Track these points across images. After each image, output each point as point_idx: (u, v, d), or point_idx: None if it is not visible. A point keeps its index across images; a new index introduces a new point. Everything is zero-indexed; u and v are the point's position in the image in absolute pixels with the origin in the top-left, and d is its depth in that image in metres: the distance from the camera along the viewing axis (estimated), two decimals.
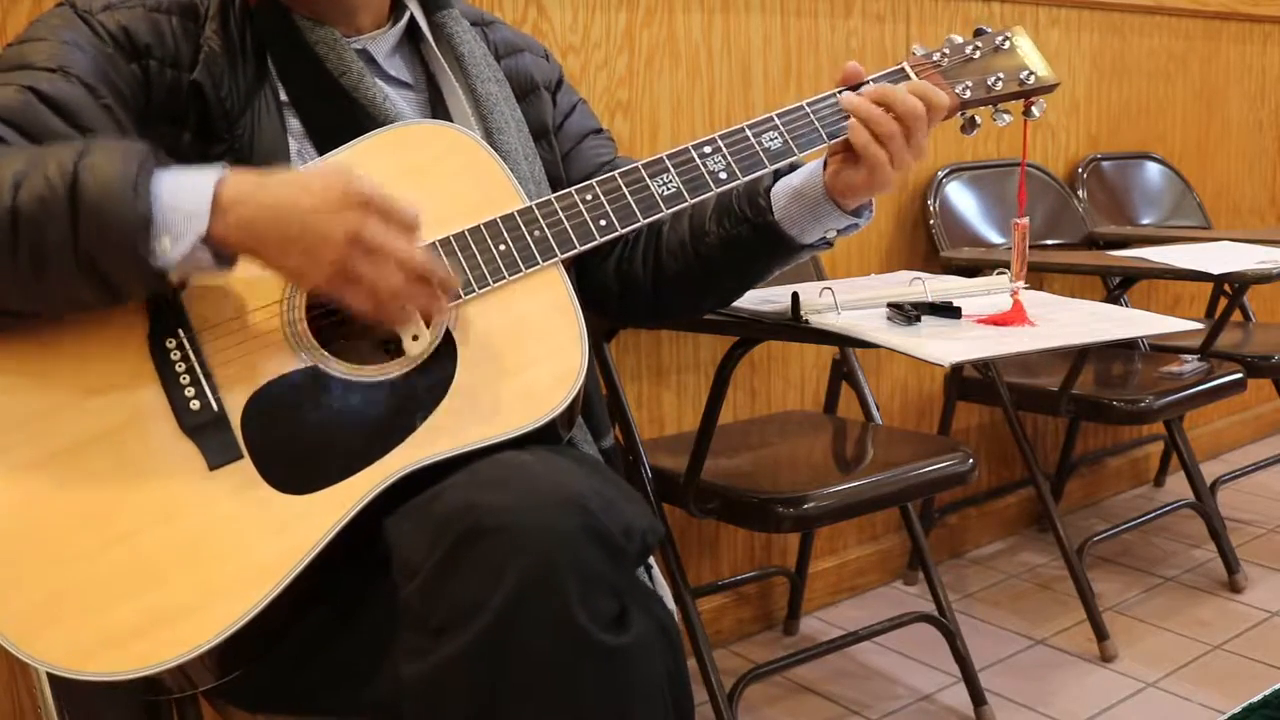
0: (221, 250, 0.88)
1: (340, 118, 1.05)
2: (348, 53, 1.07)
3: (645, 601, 0.89)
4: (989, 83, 1.16)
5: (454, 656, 0.80)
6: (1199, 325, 1.85)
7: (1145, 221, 2.78)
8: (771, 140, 1.11)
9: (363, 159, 1.03)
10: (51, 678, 1.03)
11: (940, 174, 2.38)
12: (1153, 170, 2.85)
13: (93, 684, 0.84)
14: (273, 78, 1.07)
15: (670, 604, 1.02)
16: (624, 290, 1.28)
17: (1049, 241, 2.54)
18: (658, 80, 1.95)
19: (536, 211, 1.03)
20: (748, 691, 1.75)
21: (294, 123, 1.07)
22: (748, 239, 1.18)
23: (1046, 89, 1.18)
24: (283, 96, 1.07)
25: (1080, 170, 2.68)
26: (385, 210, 0.90)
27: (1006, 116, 1.19)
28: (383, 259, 0.89)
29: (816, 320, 1.35)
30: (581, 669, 0.80)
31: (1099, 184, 2.71)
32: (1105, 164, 2.74)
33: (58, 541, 0.84)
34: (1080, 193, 2.66)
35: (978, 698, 1.84)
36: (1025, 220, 1.35)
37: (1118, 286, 2.33)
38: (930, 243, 2.36)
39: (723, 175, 1.09)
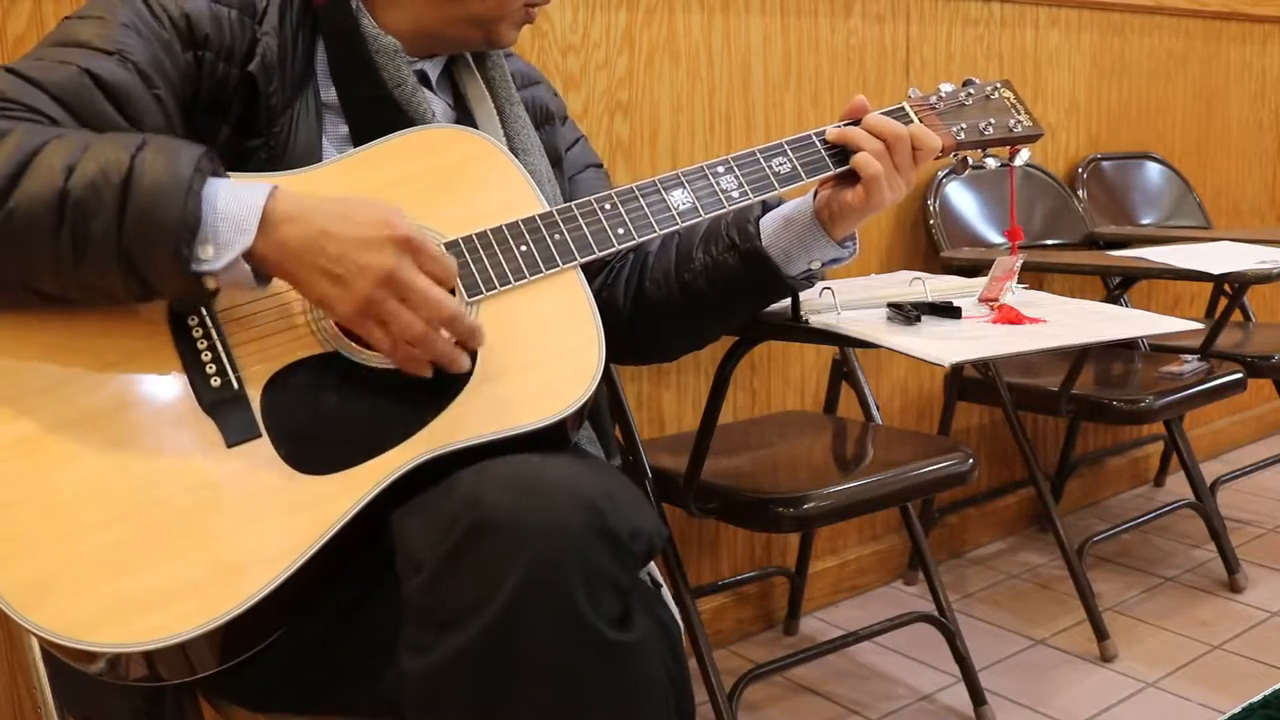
0: (259, 268, 0.89)
1: (386, 127, 1.06)
2: (405, 67, 1.09)
3: (649, 602, 0.89)
4: (980, 127, 1.25)
5: (457, 652, 0.80)
6: (1199, 325, 1.85)
7: (1145, 221, 2.78)
8: (781, 165, 1.15)
9: (391, 155, 1.04)
10: (52, 676, 1.04)
11: (940, 174, 2.39)
12: (1153, 170, 2.85)
13: (93, 672, 0.84)
14: (316, 79, 1.09)
15: (673, 608, 1.02)
16: (601, 316, 1.29)
17: (1049, 241, 2.55)
18: (658, 80, 1.95)
19: (557, 216, 1.05)
20: (748, 691, 1.75)
21: (333, 126, 1.09)
22: (733, 266, 1.20)
23: (1032, 138, 1.27)
24: (324, 98, 1.09)
25: (1080, 170, 2.69)
26: (423, 254, 0.90)
27: (992, 161, 1.28)
28: (411, 303, 0.89)
29: (816, 320, 1.35)
30: (586, 665, 0.80)
31: (1099, 184, 2.71)
32: (1105, 164, 2.75)
33: (69, 511, 0.84)
34: (1080, 193, 2.66)
35: (978, 698, 1.84)
36: (1017, 261, 1.43)
37: (1118, 286, 2.33)
38: (930, 243, 2.36)
39: (735, 194, 1.13)
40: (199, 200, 0.85)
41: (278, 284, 0.93)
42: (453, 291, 0.96)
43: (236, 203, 0.87)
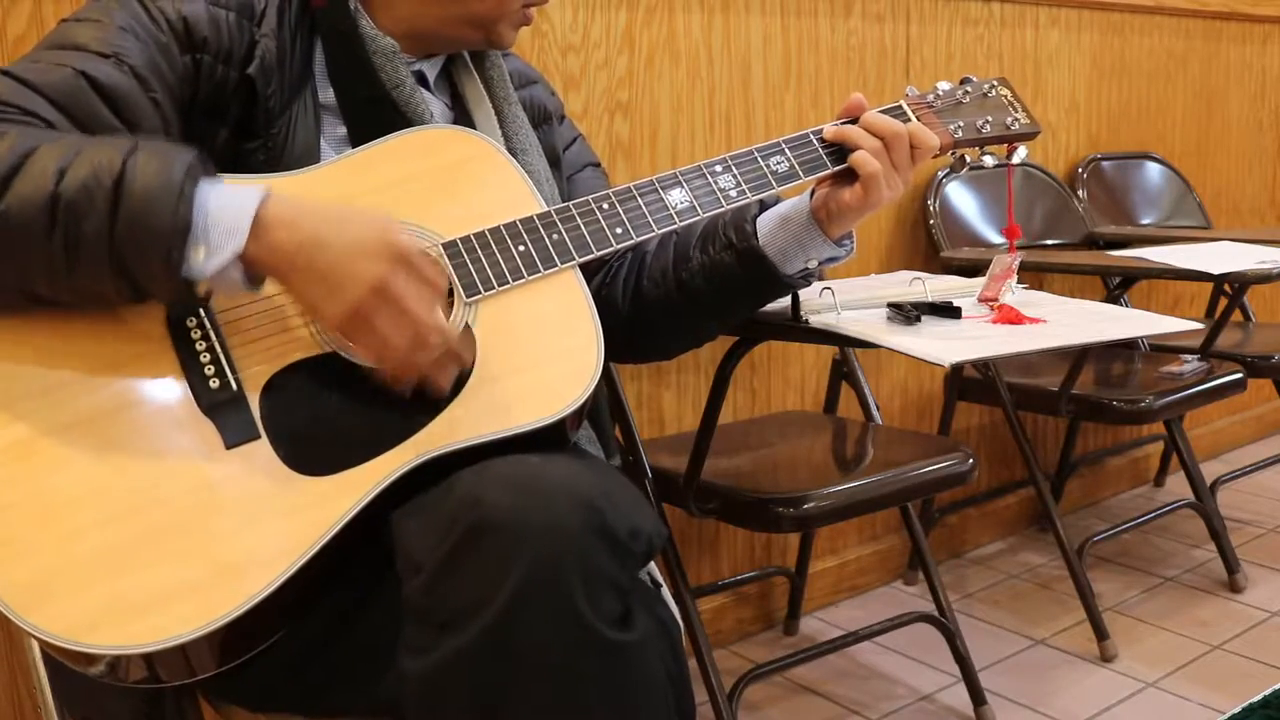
0: (252, 271, 0.88)
1: (385, 128, 1.06)
2: (403, 68, 1.09)
3: (648, 601, 0.89)
4: (978, 125, 1.25)
5: (457, 652, 0.80)
6: (1199, 325, 1.85)
7: (1145, 221, 2.78)
8: (779, 164, 1.15)
9: (389, 156, 1.04)
10: (52, 676, 1.04)
11: (940, 174, 2.39)
12: (1153, 170, 2.85)
13: (93, 674, 0.84)
14: (314, 81, 1.08)
15: (673, 608, 1.02)
16: (600, 316, 1.29)
17: (1049, 241, 2.54)
18: (658, 80, 1.95)
19: (555, 216, 1.05)
20: (748, 691, 1.75)
21: (331, 127, 1.09)
22: (730, 266, 1.20)
23: (1029, 135, 1.27)
24: (321, 100, 1.08)
25: (1080, 170, 2.69)
26: (415, 269, 0.90)
27: (990, 159, 1.28)
28: (399, 315, 0.89)
29: (816, 320, 1.35)
30: (586, 665, 0.80)
31: (1099, 184, 2.71)
32: (1105, 164, 2.75)
33: (67, 513, 0.84)
34: (1080, 193, 2.66)
35: (978, 698, 1.84)
36: (1015, 259, 1.43)
37: (1118, 286, 2.33)
38: (930, 243, 2.36)
39: (733, 193, 1.13)
40: (190, 203, 0.85)
41: (275, 286, 0.93)
42: (451, 295, 0.96)
43: (229, 206, 0.86)
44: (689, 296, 1.23)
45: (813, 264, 1.22)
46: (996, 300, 1.39)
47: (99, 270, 0.85)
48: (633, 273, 1.28)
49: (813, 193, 1.20)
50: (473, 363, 0.96)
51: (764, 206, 1.22)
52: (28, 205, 0.83)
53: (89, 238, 0.84)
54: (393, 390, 0.93)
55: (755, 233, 1.19)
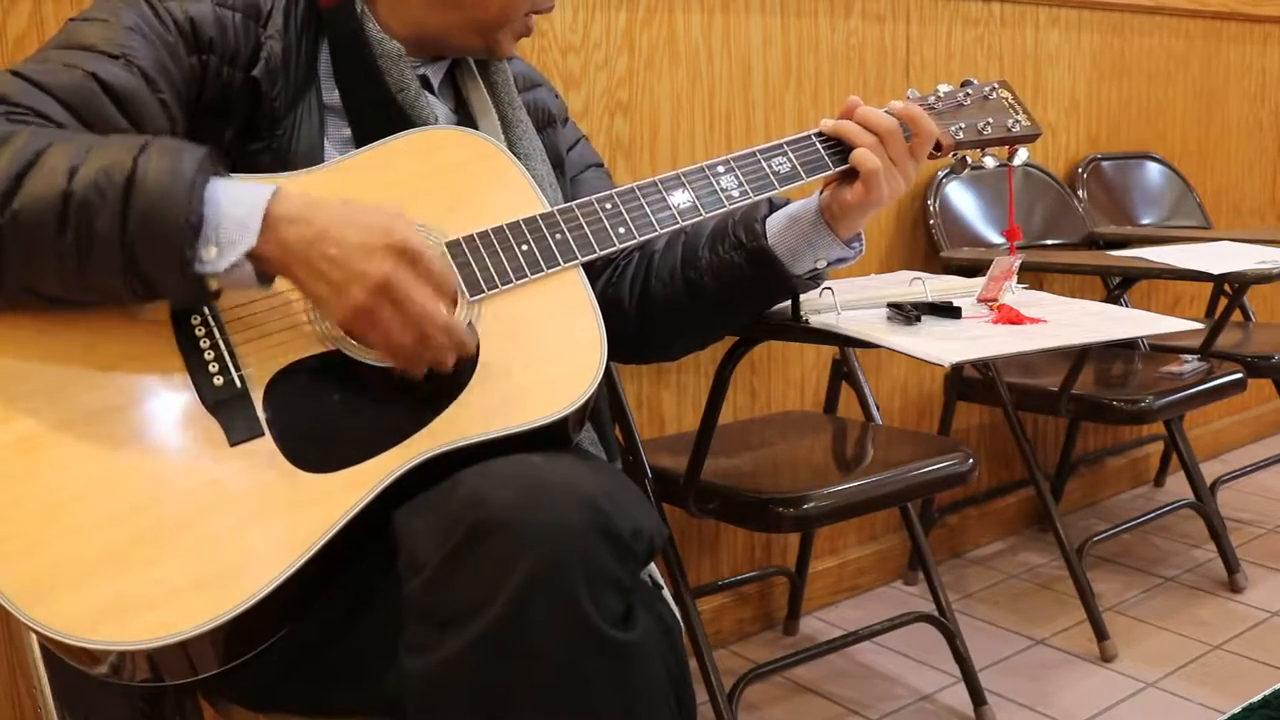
0: (261, 268, 0.89)
1: (390, 130, 1.06)
2: (408, 71, 1.10)
3: (650, 601, 0.89)
4: (979, 127, 1.25)
5: (459, 652, 0.80)
6: (1199, 325, 1.85)
7: (1145, 221, 2.78)
8: (781, 164, 1.16)
9: (393, 157, 1.04)
10: (52, 677, 1.04)
11: (940, 174, 2.39)
12: (1153, 170, 2.85)
13: (96, 674, 0.84)
14: (320, 82, 1.09)
15: (673, 608, 1.02)
16: (605, 314, 1.29)
17: (1049, 241, 2.55)
18: (658, 80, 1.95)
19: (558, 216, 1.06)
20: (748, 691, 1.75)
21: (336, 129, 1.09)
22: (739, 265, 1.20)
23: (1030, 138, 1.28)
24: (326, 101, 1.09)
25: (1080, 170, 2.69)
26: (422, 265, 0.90)
27: (991, 161, 1.28)
28: (404, 312, 0.89)
29: (816, 320, 1.35)
30: (588, 664, 0.80)
31: (1099, 184, 2.71)
32: (1105, 164, 2.75)
33: (71, 509, 0.84)
34: (1080, 193, 2.66)
35: (978, 698, 1.84)
36: (1015, 260, 1.43)
37: (1118, 286, 2.33)
38: (930, 243, 2.36)
39: (736, 193, 1.13)
40: (202, 201, 0.85)
41: (280, 283, 0.93)
42: (454, 301, 0.96)
43: (239, 203, 0.87)
44: (697, 296, 1.23)
45: (822, 264, 1.22)
46: (996, 300, 1.39)
47: (110, 268, 0.85)
48: (640, 273, 1.28)
49: (821, 192, 1.20)
50: (477, 351, 0.96)
51: (774, 207, 1.22)
52: (40, 203, 0.84)
53: (101, 235, 0.84)
54: (403, 376, 0.93)
55: (765, 232, 1.19)
